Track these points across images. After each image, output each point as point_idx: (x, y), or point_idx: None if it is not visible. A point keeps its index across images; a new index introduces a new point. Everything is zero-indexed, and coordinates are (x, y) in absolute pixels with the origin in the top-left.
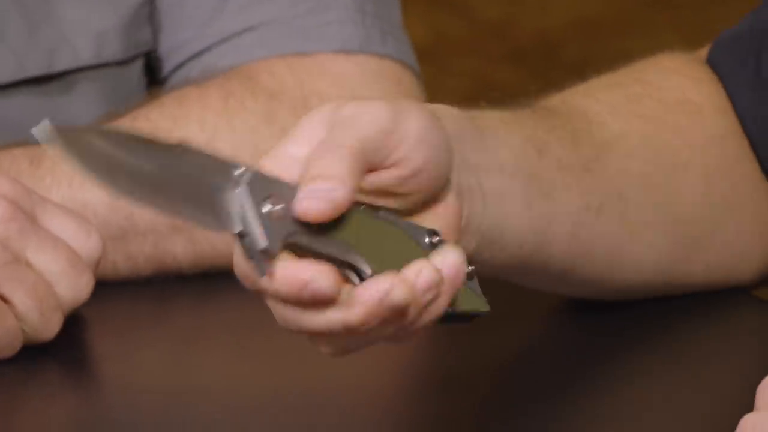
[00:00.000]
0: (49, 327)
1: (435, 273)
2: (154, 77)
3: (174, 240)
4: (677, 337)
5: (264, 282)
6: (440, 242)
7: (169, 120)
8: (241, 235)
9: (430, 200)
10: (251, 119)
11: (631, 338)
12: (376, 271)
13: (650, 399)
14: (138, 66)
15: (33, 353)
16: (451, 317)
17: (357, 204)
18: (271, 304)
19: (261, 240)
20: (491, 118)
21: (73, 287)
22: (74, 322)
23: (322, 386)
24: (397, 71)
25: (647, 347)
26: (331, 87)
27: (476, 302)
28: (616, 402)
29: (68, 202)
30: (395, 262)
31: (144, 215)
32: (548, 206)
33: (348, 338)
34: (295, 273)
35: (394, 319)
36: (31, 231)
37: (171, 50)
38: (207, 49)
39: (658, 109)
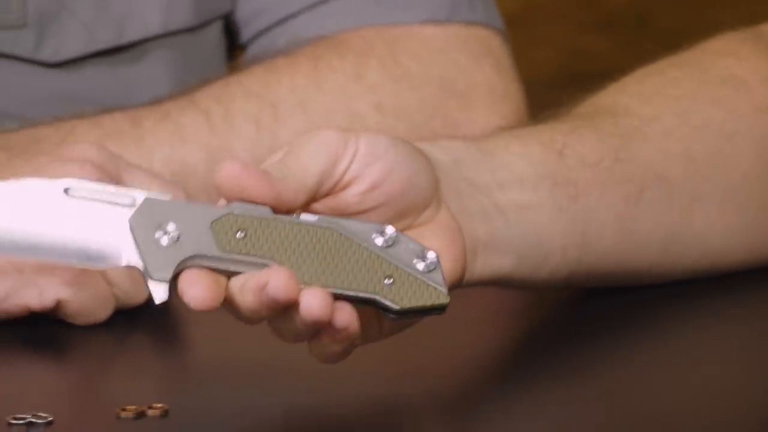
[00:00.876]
0: (141, 290)
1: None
2: (233, 42)
3: None
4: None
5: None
6: (395, 236)
7: (260, 85)
8: (135, 266)
9: (418, 218)
10: (340, 78)
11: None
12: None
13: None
14: (213, 31)
15: (125, 318)
16: (401, 313)
17: (289, 214)
18: None
19: (150, 273)
20: (501, 136)
21: None
22: None
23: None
24: (485, 37)
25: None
26: (421, 47)
27: (432, 296)
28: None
29: (169, 162)
30: (327, 264)
31: None
32: (582, 206)
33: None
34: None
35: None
36: None
37: (252, 15)
38: (292, 16)
39: (696, 88)
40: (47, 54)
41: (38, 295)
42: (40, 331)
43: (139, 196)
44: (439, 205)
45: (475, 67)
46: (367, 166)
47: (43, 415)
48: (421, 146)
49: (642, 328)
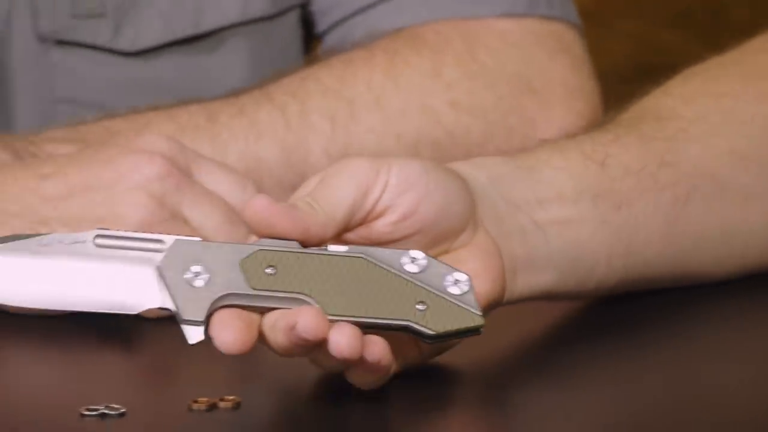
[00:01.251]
0: None
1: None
2: (310, 33)
3: None
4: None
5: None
6: (426, 261)
7: (336, 80)
8: (168, 309)
9: (454, 243)
10: (416, 75)
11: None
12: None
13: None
14: (290, 20)
15: None
16: (436, 338)
17: (320, 246)
18: None
19: (181, 316)
20: (542, 150)
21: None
22: None
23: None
24: (562, 32)
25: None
26: (497, 42)
27: (466, 318)
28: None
29: (244, 157)
30: (359, 294)
31: (316, 170)
32: (626, 215)
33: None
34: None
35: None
36: (187, 187)
37: (329, 6)
38: (369, 7)
39: (740, 84)
40: (125, 43)
41: None
42: (114, 324)
43: (168, 239)
44: (476, 228)
45: (551, 63)
46: (399, 195)
47: (116, 406)
48: (457, 167)
49: (665, 327)
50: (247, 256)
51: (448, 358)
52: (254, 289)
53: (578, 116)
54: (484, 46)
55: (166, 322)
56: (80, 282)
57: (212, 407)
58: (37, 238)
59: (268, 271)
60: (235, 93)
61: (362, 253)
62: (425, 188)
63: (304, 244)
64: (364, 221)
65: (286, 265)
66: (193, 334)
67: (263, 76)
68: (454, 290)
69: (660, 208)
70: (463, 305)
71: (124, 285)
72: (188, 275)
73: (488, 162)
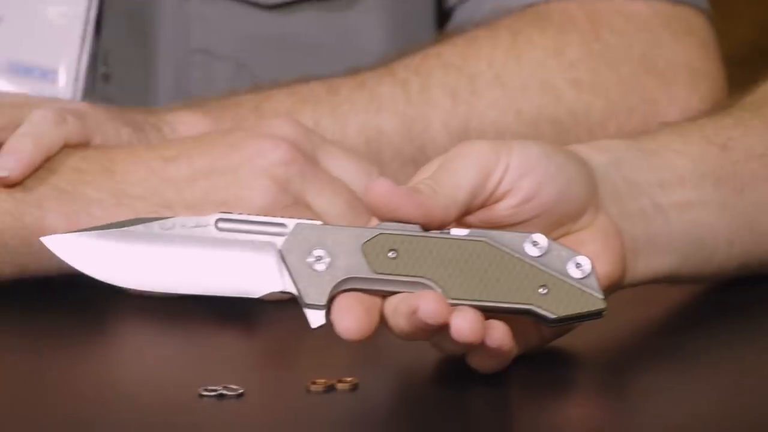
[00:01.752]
0: None
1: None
2: (440, 8)
3: None
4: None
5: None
6: (548, 244)
7: (458, 57)
8: (290, 293)
9: (574, 225)
10: (539, 54)
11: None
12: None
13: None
14: None
15: None
16: (558, 321)
17: (441, 229)
18: None
19: (304, 300)
20: (663, 133)
21: None
22: None
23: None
24: (690, 16)
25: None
26: (623, 23)
27: (588, 302)
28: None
29: (364, 129)
30: (480, 278)
31: (437, 148)
32: (749, 199)
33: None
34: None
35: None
36: (312, 173)
37: None
38: None
39: None
40: None
41: None
42: (234, 306)
43: (290, 223)
44: (597, 210)
45: (677, 45)
46: (520, 178)
47: (234, 387)
48: (578, 149)
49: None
50: (369, 240)
51: (568, 340)
52: (376, 272)
53: (702, 99)
54: (609, 26)
55: (286, 304)
56: (203, 266)
57: (330, 389)
58: (160, 221)
59: (390, 254)
60: (356, 69)
61: (484, 236)
62: (546, 171)
63: (426, 228)
64: (485, 204)
65: (407, 249)
66: (315, 319)
67: (400, 36)
68: (576, 273)
69: None
70: (585, 289)
71: (246, 269)
72: (310, 259)
73: (609, 144)
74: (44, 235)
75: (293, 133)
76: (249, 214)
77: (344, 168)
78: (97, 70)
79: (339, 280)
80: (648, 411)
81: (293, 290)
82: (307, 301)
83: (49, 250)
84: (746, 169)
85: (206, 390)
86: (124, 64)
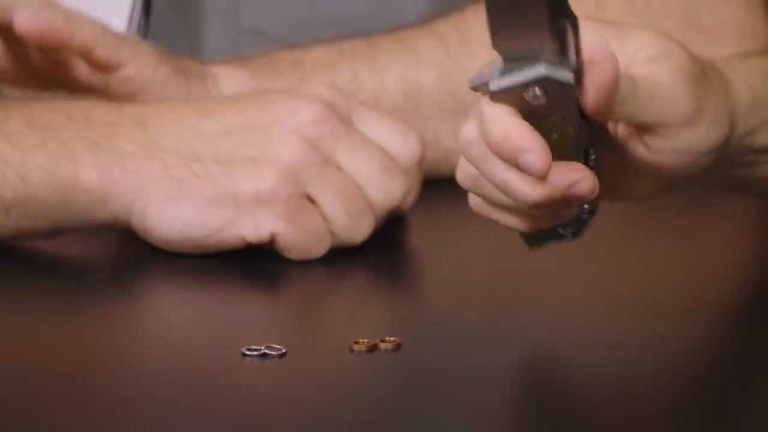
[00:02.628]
0: (359, 229)
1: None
2: None
3: None
4: None
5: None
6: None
7: None
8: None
9: None
10: (579, 8)
11: None
12: None
13: None
14: None
15: (343, 256)
16: (549, 235)
17: None
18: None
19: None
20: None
21: (384, 190)
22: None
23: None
24: None
25: None
26: None
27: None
28: None
29: (402, 81)
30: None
31: (475, 96)
32: None
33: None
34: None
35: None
36: (344, 133)
37: None
38: None
39: None
40: None
41: (254, 227)
42: (274, 267)
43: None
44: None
45: (722, 2)
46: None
47: (277, 346)
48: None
49: None
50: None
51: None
52: None
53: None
54: None
55: (324, 265)
56: None
57: (373, 348)
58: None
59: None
60: (396, 28)
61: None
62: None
63: None
64: None
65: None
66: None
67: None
68: None
69: None
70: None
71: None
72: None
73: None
74: (77, 189)
75: (328, 94)
76: None
77: (380, 131)
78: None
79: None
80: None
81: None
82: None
83: (82, 204)
84: None
85: (249, 349)
86: (172, 43)
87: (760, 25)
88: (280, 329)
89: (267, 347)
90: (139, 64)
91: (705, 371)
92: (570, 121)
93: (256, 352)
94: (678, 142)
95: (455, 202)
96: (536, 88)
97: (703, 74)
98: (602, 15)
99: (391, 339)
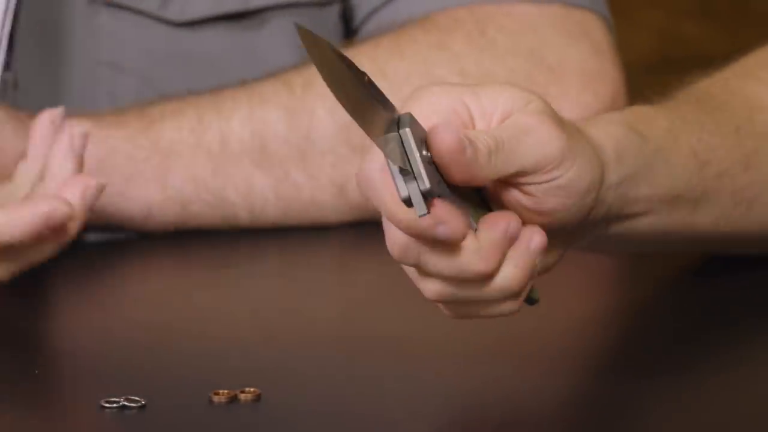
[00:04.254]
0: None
1: (544, 239)
2: (348, 30)
3: (354, 162)
4: None
5: (419, 222)
6: None
7: None
8: (403, 173)
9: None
10: (422, 48)
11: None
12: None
13: None
14: (335, 11)
15: (211, 297)
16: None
17: None
18: (409, 251)
19: (425, 181)
20: (660, 132)
21: None
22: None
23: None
24: (585, 20)
25: None
26: (511, 23)
27: (534, 291)
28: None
29: (248, 121)
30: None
31: (323, 135)
32: (691, 214)
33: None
34: (452, 215)
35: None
36: None
37: None
38: None
39: None
40: (173, 12)
41: None
42: (130, 314)
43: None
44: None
45: (567, 45)
46: (550, 195)
47: (136, 398)
48: (621, 151)
49: None
50: None
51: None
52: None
53: (596, 97)
54: (497, 25)
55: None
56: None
57: (233, 399)
58: None
59: None
60: (243, 81)
61: None
62: (579, 194)
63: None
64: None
65: None
66: (423, 206)
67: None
68: None
69: (719, 213)
70: None
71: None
72: (425, 152)
73: (634, 146)
74: None
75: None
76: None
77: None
78: (8, 77)
79: (438, 178)
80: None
81: (417, 171)
82: (424, 187)
83: None
84: (708, 186)
85: (107, 402)
86: (33, 73)
87: (609, 68)
88: (142, 380)
89: (126, 399)
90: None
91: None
92: None
93: (115, 404)
94: (557, 181)
95: (311, 246)
96: (423, 152)
97: (562, 121)
98: (447, 51)
99: (251, 389)
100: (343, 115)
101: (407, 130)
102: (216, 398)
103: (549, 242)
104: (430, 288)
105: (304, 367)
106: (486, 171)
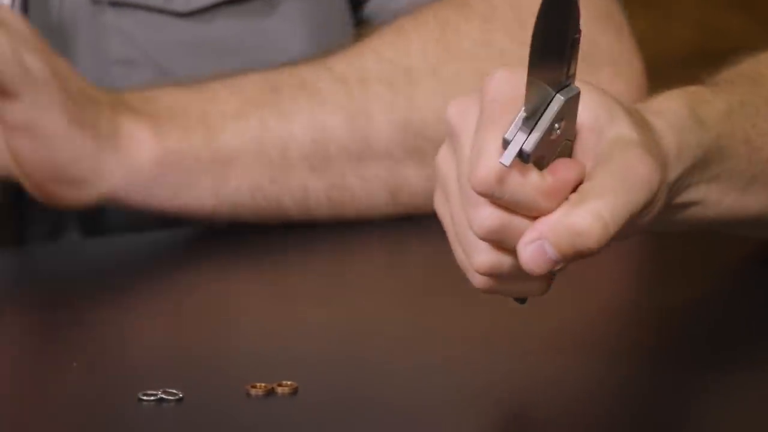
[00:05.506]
0: None
1: None
2: (357, 13)
3: (407, 165)
4: None
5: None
6: None
7: (391, 50)
8: (525, 123)
9: None
10: (468, 44)
11: None
12: None
13: None
14: None
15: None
16: None
17: None
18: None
19: (528, 144)
20: (718, 116)
21: None
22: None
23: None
24: (604, 1)
25: None
26: None
27: None
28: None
29: (309, 129)
30: None
31: (379, 138)
32: (741, 198)
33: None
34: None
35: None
36: None
37: None
38: None
39: None
40: (179, 3)
41: None
42: (169, 308)
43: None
44: None
45: (597, 30)
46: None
47: (173, 391)
48: (690, 140)
49: None
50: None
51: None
52: None
53: (627, 85)
54: (532, 14)
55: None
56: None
57: (270, 393)
58: None
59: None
60: (293, 64)
61: None
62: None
63: None
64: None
65: None
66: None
67: (318, 42)
68: None
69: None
70: None
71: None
72: (557, 125)
73: (705, 137)
74: None
75: None
76: None
77: None
78: None
79: (542, 154)
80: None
81: (533, 132)
82: (526, 149)
83: None
84: (755, 171)
85: (145, 395)
86: None
87: (634, 53)
88: (179, 373)
89: (164, 392)
90: (33, 103)
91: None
92: (571, 135)
93: (152, 397)
94: None
95: (354, 245)
96: (555, 125)
97: (645, 130)
98: (492, 47)
99: (288, 383)
100: (399, 117)
101: (561, 98)
102: (253, 391)
103: None
104: (483, 260)
105: (341, 360)
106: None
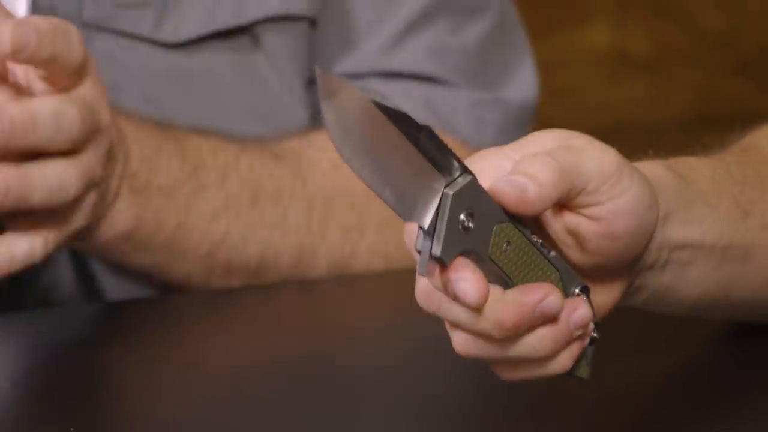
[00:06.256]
0: None
1: (590, 313)
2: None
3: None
4: None
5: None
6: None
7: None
8: (426, 232)
9: (604, 270)
10: None
11: None
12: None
13: None
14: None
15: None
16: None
17: (524, 226)
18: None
19: (436, 248)
20: (703, 179)
21: None
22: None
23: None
24: None
25: None
26: None
27: (582, 368)
28: None
29: (265, 247)
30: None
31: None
32: (741, 267)
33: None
34: (474, 273)
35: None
36: None
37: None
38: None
39: None
40: (167, 34)
41: None
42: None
43: (464, 174)
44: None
45: None
46: (619, 216)
47: None
48: (659, 188)
49: None
50: (502, 223)
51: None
52: (490, 257)
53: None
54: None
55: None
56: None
57: None
58: None
59: (505, 246)
60: (277, 156)
61: (554, 260)
62: (645, 223)
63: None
64: (580, 207)
65: (518, 247)
66: (429, 269)
67: (301, 78)
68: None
69: (766, 264)
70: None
71: (413, 190)
72: (462, 217)
73: (670, 185)
74: None
75: None
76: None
77: None
78: None
79: (465, 249)
80: None
81: (429, 233)
82: (436, 252)
83: None
84: (754, 238)
85: None
86: None
87: None
88: None
89: None
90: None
91: None
92: (501, 218)
93: None
94: (624, 198)
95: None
96: (461, 215)
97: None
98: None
99: None
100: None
101: (449, 192)
102: None
103: (606, 282)
104: (456, 340)
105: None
106: (550, 191)
